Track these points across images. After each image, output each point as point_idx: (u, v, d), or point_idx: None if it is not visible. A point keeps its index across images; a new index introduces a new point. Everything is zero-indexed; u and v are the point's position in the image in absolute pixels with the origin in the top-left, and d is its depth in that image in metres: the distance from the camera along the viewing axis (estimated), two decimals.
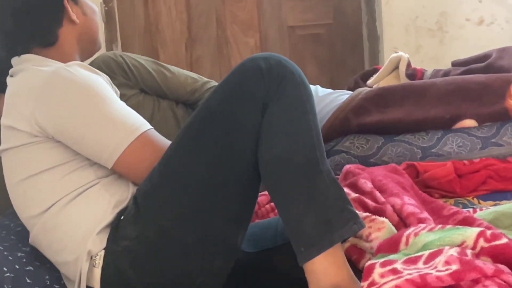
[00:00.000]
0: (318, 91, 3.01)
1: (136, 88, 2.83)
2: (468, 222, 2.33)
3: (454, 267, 1.84)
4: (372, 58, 3.82)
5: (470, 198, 2.64)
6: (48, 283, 2.29)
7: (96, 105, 2.22)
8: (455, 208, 2.43)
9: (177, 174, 2.13)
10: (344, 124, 2.79)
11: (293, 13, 3.88)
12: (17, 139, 2.20)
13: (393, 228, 2.23)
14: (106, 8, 3.95)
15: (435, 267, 1.91)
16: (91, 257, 2.15)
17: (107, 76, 2.42)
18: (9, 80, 2.34)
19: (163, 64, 3.01)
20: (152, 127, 2.21)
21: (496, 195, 2.63)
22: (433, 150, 2.74)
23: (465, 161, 2.73)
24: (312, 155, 1.99)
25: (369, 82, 3.19)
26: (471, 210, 2.51)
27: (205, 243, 2.13)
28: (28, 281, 2.23)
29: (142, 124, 2.20)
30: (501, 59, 2.96)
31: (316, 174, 1.97)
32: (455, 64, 3.16)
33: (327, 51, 3.91)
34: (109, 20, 3.95)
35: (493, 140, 2.69)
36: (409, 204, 2.37)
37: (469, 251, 1.95)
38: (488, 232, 2.02)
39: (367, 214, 2.27)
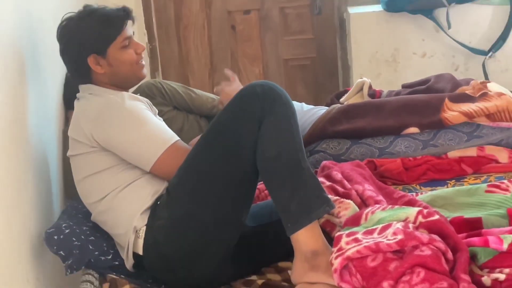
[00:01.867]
0: (303, 106, 3.25)
1: (170, 106, 3.11)
2: (411, 203, 2.49)
3: (399, 236, 2.03)
4: (345, 82, 3.95)
5: (414, 185, 2.87)
6: (105, 249, 2.38)
7: (136, 127, 2.35)
8: (402, 193, 2.58)
9: (197, 171, 2.28)
10: (322, 131, 3.02)
11: (287, 49, 3.98)
12: (80, 149, 2.36)
13: (356, 208, 2.36)
14: (151, 47, 3.98)
15: (386, 237, 2.09)
16: (136, 231, 2.29)
17: (148, 100, 2.57)
18: (75, 102, 2.47)
19: (190, 88, 3.32)
20: (179, 138, 2.37)
21: (433, 183, 2.86)
22: (387, 150, 2.97)
23: (410, 158, 2.96)
24: (295, 156, 2.15)
25: (341, 99, 3.41)
26: (414, 194, 2.67)
27: (219, 220, 2.25)
28: (91, 247, 2.35)
29: (170, 138, 2.35)
30: (437, 83, 3.29)
31: (299, 170, 2.14)
32: (404, 86, 3.45)
33: (312, 77, 4.02)
34: (153, 55, 4.03)
35: (431, 143, 2.96)
36: (368, 190, 2.54)
37: (411, 225, 2.12)
38: (425, 211, 2.20)
39: (337, 197, 2.43)
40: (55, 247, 2.29)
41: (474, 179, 2.79)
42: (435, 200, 2.54)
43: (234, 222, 2.25)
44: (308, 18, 4.12)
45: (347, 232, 2.15)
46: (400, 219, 2.16)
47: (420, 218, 2.15)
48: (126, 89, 2.58)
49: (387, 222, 2.15)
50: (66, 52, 2.43)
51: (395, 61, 4.00)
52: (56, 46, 2.50)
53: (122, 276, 2.28)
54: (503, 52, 3.94)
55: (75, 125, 2.37)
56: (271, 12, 4.12)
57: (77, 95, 2.48)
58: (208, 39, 4.17)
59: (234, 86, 2.88)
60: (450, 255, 2.04)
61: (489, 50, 3.92)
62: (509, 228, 2.25)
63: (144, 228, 2.26)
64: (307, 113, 3.14)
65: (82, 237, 2.32)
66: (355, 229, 2.18)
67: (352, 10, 4.02)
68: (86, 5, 2.50)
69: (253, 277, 2.32)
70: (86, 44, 2.38)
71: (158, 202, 2.29)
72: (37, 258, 2.33)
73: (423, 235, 2.05)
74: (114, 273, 2.28)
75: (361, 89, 3.38)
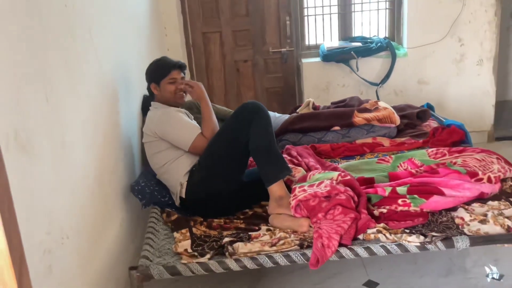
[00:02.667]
0: (276, 115, 3.23)
1: (201, 114, 2.83)
2: (336, 169, 2.48)
3: (328, 188, 2.07)
4: (299, 101, 3.87)
5: (337, 159, 2.86)
6: (164, 194, 2.41)
7: (178, 124, 2.38)
8: (330, 163, 2.61)
9: (215, 150, 2.29)
10: (286, 128, 3.04)
11: (267, 82, 4.04)
12: (149, 138, 2.40)
13: (304, 171, 2.39)
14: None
15: (320, 188, 2.12)
16: (181, 184, 2.32)
17: (185, 110, 2.57)
18: (148, 112, 2.49)
19: (214, 103, 3.11)
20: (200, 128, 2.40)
21: (348, 158, 2.83)
22: (322, 139, 3.01)
23: (335, 144, 2.93)
24: (270, 144, 2.18)
25: (297, 110, 3.24)
26: (337, 164, 2.70)
27: (229, 177, 2.28)
28: (156, 194, 2.42)
29: (197, 129, 2.38)
30: (351, 101, 3.37)
31: (272, 152, 2.18)
32: (332, 103, 3.38)
33: (281, 98, 4.06)
34: None
35: (346, 135, 3.02)
36: (312, 162, 2.64)
37: (334, 182, 2.14)
38: (342, 174, 2.23)
39: (294, 166, 2.46)
40: (135, 193, 2.27)
41: (370, 156, 2.77)
42: (348, 167, 2.54)
43: (236, 178, 2.28)
44: (279, 64, 4.09)
45: (299, 185, 2.13)
46: (329, 178, 2.14)
47: (339, 178, 2.14)
48: (174, 106, 2.52)
49: (321, 180, 2.13)
50: (146, 78, 2.50)
51: (327, 89, 3.97)
52: (137, 77, 2.48)
53: (173, 209, 2.26)
54: (387, 84, 3.91)
55: (147, 124, 2.38)
56: (259, 62, 4.09)
57: (150, 107, 2.45)
58: (223, 76, 4.14)
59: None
60: (356, 198, 2.03)
61: (380, 83, 3.90)
62: (388, 183, 2.24)
63: (186, 183, 2.26)
64: (278, 118, 3.12)
65: (151, 187, 2.33)
66: (303, 183, 2.16)
67: (304, 60, 4.00)
68: (163, 56, 2.52)
69: (247, 210, 2.31)
70: (150, 75, 2.50)
71: (194, 169, 2.29)
72: (126, 200, 2.31)
73: (341, 187, 2.03)
74: (169, 208, 2.26)
75: (308, 104, 3.36)
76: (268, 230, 2.07)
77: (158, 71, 2.46)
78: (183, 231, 2.06)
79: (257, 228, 2.10)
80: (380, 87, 3.92)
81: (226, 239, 1.92)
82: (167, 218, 2.20)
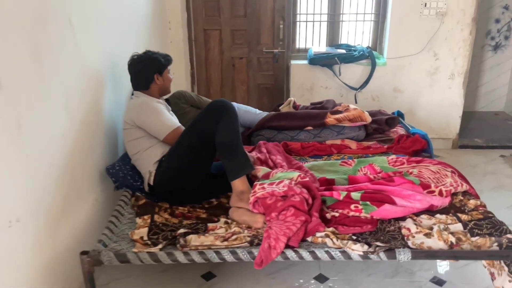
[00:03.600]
0: (257, 112, 2.92)
1: (188, 104, 2.79)
2: (300, 168, 2.30)
3: (285, 188, 1.84)
4: (286, 97, 3.56)
5: (306, 157, 2.59)
6: (136, 179, 2.15)
7: (155, 115, 2.09)
8: (297, 162, 2.34)
9: (183, 142, 2.01)
10: (262, 125, 2.75)
11: (260, 78, 3.78)
12: (127, 125, 2.12)
13: (266, 169, 2.07)
14: (191, 72, 3.68)
15: (279, 187, 1.89)
16: (150, 172, 2.08)
17: (165, 103, 2.27)
18: (130, 100, 2.22)
19: (200, 96, 2.96)
20: (180, 125, 2.09)
21: (316, 156, 2.56)
22: (295, 137, 2.72)
23: (306, 143, 2.67)
24: (233, 142, 1.94)
25: (280, 107, 2.96)
26: (303, 162, 2.43)
27: (195, 169, 2.01)
28: (129, 178, 2.17)
29: (175, 124, 2.08)
30: (327, 103, 3.06)
31: (235, 150, 1.94)
32: (311, 103, 3.10)
33: (271, 94, 3.81)
34: (192, 77, 3.66)
35: (318, 135, 2.74)
36: (279, 159, 2.34)
37: (293, 182, 1.90)
38: (302, 175, 1.97)
39: (258, 166, 2.09)
40: (110, 175, 2.04)
41: (336, 156, 2.51)
42: (313, 166, 2.28)
43: (202, 170, 2.02)
44: (271, 63, 3.79)
45: (260, 182, 1.89)
46: (289, 178, 1.90)
47: (299, 179, 1.89)
48: (162, 96, 2.29)
49: (282, 179, 1.89)
50: (143, 70, 2.15)
51: (312, 90, 3.68)
52: (124, 70, 2.21)
53: (143, 194, 2.03)
54: (365, 90, 3.60)
55: (126, 112, 2.14)
56: (253, 59, 3.79)
57: (132, 96, 2.20)
58: (220, 70, 3.87)
59: None
60: (310, 200, 1.79)
61: (359, 88, 3.60)
62: (347, 186, 2.00)
63: (154, 172, 2.01)
64: (258, 115, 2.83)
65: (125, 172, 2.09)
66: (265, 181, 1.92)
67: (293, 62, 3.70)
68: (147, 50, 2.23)
69: (213, 200, 2.08)
70: (157, 66, 2.17)
71: (163, 159, 2.03)
72: (102, 181, 2.09)
73: (298, 189, 1.79)
74: (139, 192, 2.03)
75: (289, 103, 3.09)
76: (225, 222, 1.83)
77: (163, 62, 2.19)
78: (145, 217, 1.83)
79: (216, 219, 1.87)
80: (359, 91, 3.62)
81: (181, 230, 1.68)
82: (135, 202, 1.95)
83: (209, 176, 2.07)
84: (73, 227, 1.80)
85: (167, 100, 2.76)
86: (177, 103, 2.74)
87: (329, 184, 2.10)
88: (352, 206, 1.80)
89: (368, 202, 1.81)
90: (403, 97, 3.66)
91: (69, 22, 1.76)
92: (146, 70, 2.17)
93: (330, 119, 2.63)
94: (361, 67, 3.59)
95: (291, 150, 2.54)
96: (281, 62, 3.78)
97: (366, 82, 3.59)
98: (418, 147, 2.49)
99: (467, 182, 2.05)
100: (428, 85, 3.60)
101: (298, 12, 3.71)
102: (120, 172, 2.06)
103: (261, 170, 2.06)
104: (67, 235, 1.75)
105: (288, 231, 1.61)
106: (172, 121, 2.07)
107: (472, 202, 1.88)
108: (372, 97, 3.67)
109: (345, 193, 1.87)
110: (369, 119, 2.66)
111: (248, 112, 2.85)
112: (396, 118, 2.83)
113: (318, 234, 1.67)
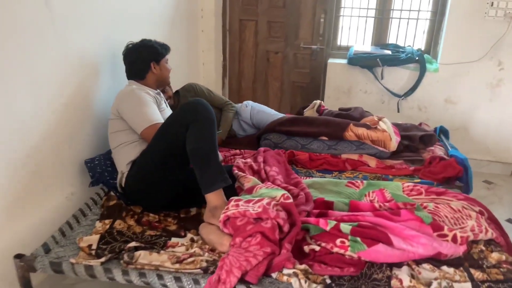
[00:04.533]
0: (272, 112, 2.68)
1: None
2: (296, 184, 1.97)
3: (259, 210, 1.58)
4: (321, 99, 3.25)
5: (313, 170, 2.27)
6: (115, 176, 1.98)
7: (137, 105, 1.90)
8: (296, 176, 2.03)
9: (154, 145, 1.81)
10: (272, 128, 2.46)
11: (295, 76, 3.48)
12: (112, 116, 1.95)
13: (256, 181, 1.82)
14: (223, 64, 3.49)
15: (254, 207, 1.62)
16: (123, 173, 1.89)
17: (159, 95, 2.10)
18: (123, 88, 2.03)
19: (213, 91, 2.69)
20: (161, 121, 1.86)
21: (325, 171, 2.25)
22: (306, 146, 2.40)
23: (317, 154, 2.35)
24: (206, 151, 1.68)
25: (305, 110, 2.63)
26: (304, 177, 2.14)
27: (166, 175, 1.79)
28: (106, 174, 2.01)
29: (156, 119, 1.87)
30: (354, 111, 2.69)
31: (207, 160, 1.67)
32: (340, 109, 2.66)
33: (306, 93, 3.54)
34: (224, 69, 3.48)
35: (333, 147, 2.38)
36: (273, 171, 2.02)
37: (273, 202, 1.62)
38: (286, 195, 1.68)
39: (244, 174, 1.89)
40: (87, 169, 1.92)
41: (349, 174, 2.18)
42: (314, 183, 1.99)
43: (175, 176, 1.78)
44: (308, 60, 3.49)
45: (236, 198, 1.65)
46: (271, 197, 1.65)
47: (282, 199, 1.63)
48: (160, 87, 2.14)
49: (263, 197, 1.64)
50: (138, 58, 2.01)
51: (349, 93, 3.33)
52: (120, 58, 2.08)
53: (117, 194, 1.88)
54: (411, 98, 3.18)
55: (114, 101, 1.96)
56: (289, 55, 3.52)
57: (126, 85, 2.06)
58: (254, 64, 3.64)
59: None
60: (286, 227, 1.52)
61: (403, 95, 3.19)
62: (343, 214, 1.70)
63: (127, 172, 1.84)
64: (272, 116, 2.57)
65: (104, 167, 1.95)
66: (245, 196, 1.69)
67: (331, 60, 3.36)
68: (144, 38, 2.08)
69: (193, 208, 1.87)
70: (153, 54, 2.03)
71: (136, 160, 1.84)
72: (82, 175, 1.97)
73: (273, 212, 1.53)
74: (114, 191, 1.89)
75: (314, 106, 2.78)
76: (191, 240, 1.62)
77: (159, 50, 2.06)
78: (107, 221, 1.67)
79: (183, 234, 1.67)
80: (403, 99, 3.20)
81: (132, 244, 1.49)
82: (106, 202, 1.81)
83: (189, 182, 1.84)
84: (32, 223, 1.70)
85: (176, 92, 2.60)
86: (185, 95, 2.57)
87: (326, 207, 1.80)
88: (338, 241, 1.50)
89: (358, 239, 1.50)
90: (456, 110, 3.18)
91: (45, 4, 1.65)
92: (142, 58, 2.02)
93: (350, 133, 2.29)
94: (408, 71, 3.16)
95: (296, 161, 2.25)
96: (319, 59, 3.46)
97: (413, 89, 3.16)
98: (451, 174, 2.08)
99: (498, 228, 1.64)
100: (488, 99, 3.08)
101: (342, 5, 3.34)
102: (98, 167, 1.92)
103: (251, 181, 1.82)
104: (24, 231, 1.64)
105: (245, 263, 1.36)
106: (154, 115, 1.87)
107: (495, 256, 1.48)
108: (418, 106, 3.23)
109: (334, 223, 1.57)
110: (392, 148, 2.28)
111: (262, 112, 2.60)
112: (433, 136, 2.42)
113: (285, 271, 1.40)
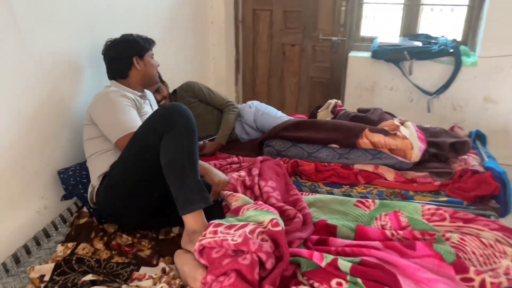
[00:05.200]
0: (277, 114, 2.41)
1: (196, 99, 2.37)
2: (295, 202, 1.70)
3: (239, 240, 1.32)
4: (343, 97, 2.94)
5: (319, 183, 1.97)
6: (90, 191, 1.70)
7: (113, 111, 1.65)
8: (296, 192, 1.74)
9: (125, 156, 1.56)
10: (275, 134, 2.17)
11: (313, 70, 3.16)
12: (86, 121, 1.71)
13: (246, 199, 1.56)
14: (236, 58, 3.22)
15: (233, 236, 1.35)
16: (94, 187, 1.67)
17: (135, 98, 1.77)
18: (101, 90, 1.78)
19: (212, 89, 2.44)
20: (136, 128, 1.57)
21: (333, 184, 1.97)
22: (313, 154, 2.09)
23: (325, 164, 2.04)
24: (183, 165, 1.41)
25: (319, 111, 2.34)
26: (305, 193, 1.82)
27: (139, 190, 1.53)
28: (80, 187, 1.79)
29: (133, 127, 1.61)
30: (372, 113, 2.32)
31: (183, 175, 1.41)
32: (358, 110, 2.37)
33: (325, 89, 3.27)
34: (237, 63, 3.25)
35: (345, 156, 2.06)
36: (269, 186, 1.74)
37: (260, 229, 1.37)
38: (274, 221, 1.40)
39: (232, 193, 1.62)
40: (61, 181, 1.73)
41: (362, 188, 1.87)
42: (316, 201, 1.71)
43: (147, 193, 1.52)
44: (328, 53, 3.17)
45: (216, 222, 1.40)
46: (258, 221, 1.39)
47: (269, 226, 1.36)
48: (148, 86, 1.92)
49: (249, 221, 1.39)
50: (117, 54, 1.79)
51: (372, 90, 2.99)
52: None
53: (90, 210, 1.67)
54: (444, 96, 2.80)
55: (88, 106, 1.74)
56: (307, 47, 3.21)
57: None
58: (269, 58, 3.36)
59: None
60: (269, 264, 1.25)
61: (434, 93, 2.81)
62: (348, 242, 1.42)
63: (97, 187, 1.62)
64: (277, 119, 2.29)
65: (78, 179, 1.74)
66: (228, 220, 1.43)
67: (352, 53, 3.03)
68: (124, 33, 1.86)
69: (175, 229, 1.64)
70: (133, 48, 1.81)
71: (108, 173, 1.62)
72: (56, 187, 1.78)
73: (255, 244, 1.27)
74: (87, 207, 1.68)
75: (328, 106, 2.48)
76: (162, 271, 1.38)
77: (141, 43, 1.83)
78: (70, 245, 1.46)
79: (155, 262, 1.44)
80: (435, 97, 2.83)
81: (88, 277, 1.28)
82: (76, 219, 1.60)
83: (171, 196, 1.59)
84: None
85: (173, 92, 2.37)
86: (183, 96, 2.33)
87: (328, 232, 1.52)
88: (334, 282, 1.22)
89: (358, 280, 1.21)
90: (496, 110, 2.78)
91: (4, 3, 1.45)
92: (123, 54, 1.80)
93: (365, 140, 1.97)
94: (441, 66, 2.78)
95: (301, 172, 1.96)
96: (340, 52, 3.13)
97: (446, 85, 2.78)
98: (485, 192, 1.73)
99: None
100: None
101: None
102: (72, 179, 1.71)
103: (239, 200, 1.56)
104: None
105: None
106: (130, 122, 1.62)
107: None
108: (453, 105, 2.85)
109: (331, 257, 1.28)
110: (415, 159, 1.94)
111: (267, 115, 2.32)
112: (466, 144, 2.06)
113: None
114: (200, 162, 1.57)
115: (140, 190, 1.51)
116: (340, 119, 2.30)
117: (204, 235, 1.35)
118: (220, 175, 1.65)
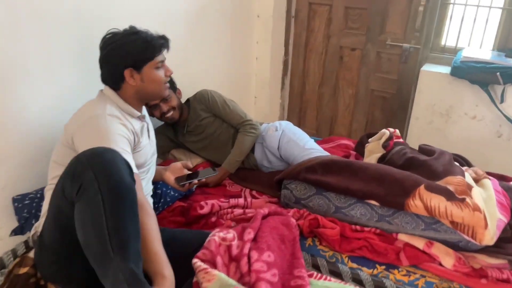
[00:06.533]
0: (307, 144, 1.92)
1: (210, 113, 1.91)
2: (301, 287, 1.21)
3: None
4: (409, 119, 2.40)
5: (343, 256, 1.44)
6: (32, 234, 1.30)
7: (96, 141, 1.17)
8: (302, 274, 1.24)
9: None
10: (297, 174, 1.63)
11: (375, 82, 2.58)
12: (65, 141, 1.28)
13: (223, 279, 1.11)
14: (284, 59, 2.75)
15: None
16: (36, 230, 1.27)
17: (134, 129, 1.34)
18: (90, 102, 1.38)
19: (229, 103, 1.97)
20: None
21: (362, 260, 1.42)
22: (343, 210, 1.53)
23: (357, 227, 1.50)
24: (103, 248, 0.98)
25: (369, 140, 1.81)
26: (320, 274, 1.29)
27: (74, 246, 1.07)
28: (33, 222, 1.44)
29: None
30: (436, 160, 1.66)
31: (107, 261, 0.97)
32: (420, 146, 1.87)
33: (388, 107, 2.72)
34: (285, 65, 2.76)
35: (387, 219, 1.48)
36: (262, 261, 1.23)
37: None
38: None
39: (205, 267, 1.15)
40: (14, 211, 1.40)
41: (403, 274, 1.33)
42: None
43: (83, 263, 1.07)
44: (396, 63, 2.57)
45: None
46: None
47: None
48: (146, 102, 1.52)
49: None
50: (107, 60, 1.35)
51: (448, 115, 2.34)
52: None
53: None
54: None
55: (69, 122, 1.32)
56: (370, 53, 2.62)
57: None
58: (323, 62, 2.81)
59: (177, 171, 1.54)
60: None
61: None
62: None
63: (40, 231, 1.25)
64: (305, 151, 1.79)
65: (33, 210, 1.40)
66: None
67: (426, 67, 2.40)
68: (132, 26, 1.42)
69: None
70: (127, 57, 1.33)
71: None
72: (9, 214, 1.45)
73: None
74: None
75: (381, 137, 1.92)
76: None
77: (142, 50, 1.34)
78: None
79: None
80: None
81: None
82: (16, 267, 1.25)
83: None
84: None
85: (186, 102, 1.97)
86: (196, 108, 1.90)
87: None
88: None
89: None
90: None
91: None
92: (113, 62, 1.35)
93: (417, 202, 1.38)
94: None
95: (321, 236, 1.44)
96: (411, 63, 2.51)
97: None
98: None
99: None
100: None
101: None
102: (26, 210, 1.37)
103: (213, 281, 1.11)
104: None
105: None
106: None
107: None
108: None
109: None
110: (487, 242, 1.32)
111: (293, 143, 1.82)
112: None
113: None
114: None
115: (75, 256, 1.10)
116: (392, 158, 1.74)
117: None
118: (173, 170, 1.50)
